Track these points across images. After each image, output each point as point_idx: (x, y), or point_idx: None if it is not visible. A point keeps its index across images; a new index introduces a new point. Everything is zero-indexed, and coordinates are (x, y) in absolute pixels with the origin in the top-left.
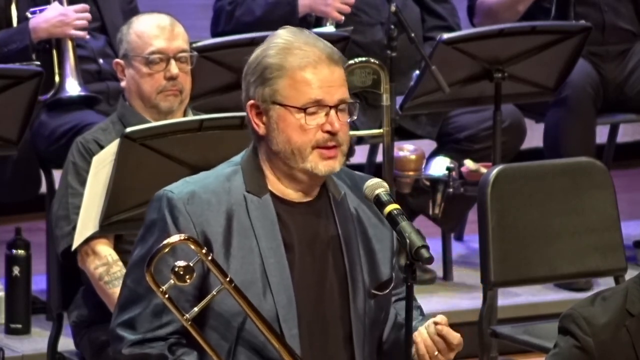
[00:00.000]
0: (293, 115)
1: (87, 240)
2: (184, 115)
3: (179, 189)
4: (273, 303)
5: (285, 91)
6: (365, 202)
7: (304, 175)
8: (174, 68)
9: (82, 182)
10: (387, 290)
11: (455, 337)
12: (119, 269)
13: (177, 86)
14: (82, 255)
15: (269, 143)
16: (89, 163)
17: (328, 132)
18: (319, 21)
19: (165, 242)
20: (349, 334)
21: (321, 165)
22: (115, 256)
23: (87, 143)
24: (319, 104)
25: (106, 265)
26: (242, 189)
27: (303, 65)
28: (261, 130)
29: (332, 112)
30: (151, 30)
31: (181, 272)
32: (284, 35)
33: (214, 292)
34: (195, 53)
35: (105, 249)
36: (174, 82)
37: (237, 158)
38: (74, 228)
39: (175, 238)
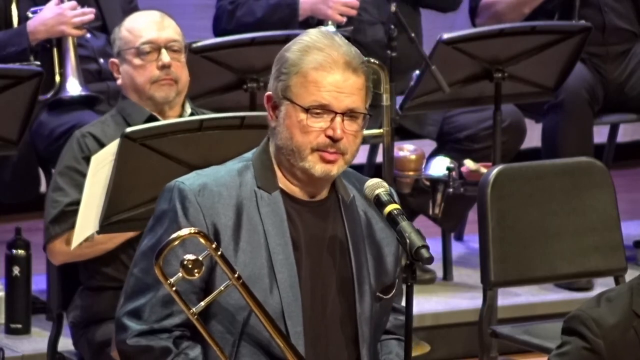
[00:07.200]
0: (298, 113)
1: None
2: (182, 108)
3: (190, 180)
4: (279, 299)
5: (296, 88)
6: (373, 206)
7: (302, 173)
8: (165, 56)
9: (63, 175)
10: (391, 295)
11: None
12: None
13: (171, 75)
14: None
15: (275, 137)
16: (76, 159)
17: (329, 137)
18: (321, 22)
19: (175, 235)
20: (353, 335)
21: (318, 166)
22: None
23: (84, 137)
24: (324, 107)
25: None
26: (253, 184)
27: (317, 65)
28: (273, 122)
29: (338, 118)
30: (141, 23)
31: (190, 266)
32: (313, 34)
33: (221, 288)
34: (186, 42)
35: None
36: (167, 71)
37: (249, 154)
38: (50, 221)
39: (185, 231)
